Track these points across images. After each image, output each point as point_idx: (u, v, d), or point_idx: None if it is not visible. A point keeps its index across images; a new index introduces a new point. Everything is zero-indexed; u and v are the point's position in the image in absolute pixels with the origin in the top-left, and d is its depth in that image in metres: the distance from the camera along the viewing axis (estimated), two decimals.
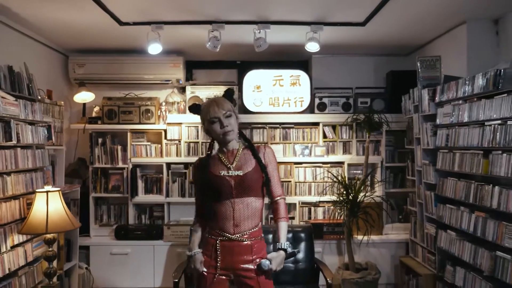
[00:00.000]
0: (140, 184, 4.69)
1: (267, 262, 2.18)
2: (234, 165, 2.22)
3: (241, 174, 2.20)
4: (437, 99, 3.66)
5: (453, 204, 3.39)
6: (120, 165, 4.63)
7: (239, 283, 2.22)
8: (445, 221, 3.48)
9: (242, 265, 2.19)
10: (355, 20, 3.76)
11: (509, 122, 2.70)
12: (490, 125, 2.89)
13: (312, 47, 3.91)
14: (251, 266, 2.19)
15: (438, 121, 3.63)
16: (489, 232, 2.88)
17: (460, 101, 3.29)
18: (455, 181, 3.35)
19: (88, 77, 4.71)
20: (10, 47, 3.66)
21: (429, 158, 3.82)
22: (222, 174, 2.20)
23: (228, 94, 2.31)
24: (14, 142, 3.02)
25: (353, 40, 4.37)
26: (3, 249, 2.97)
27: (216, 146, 2.36)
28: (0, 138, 2.92)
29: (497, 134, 2.80)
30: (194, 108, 2.32)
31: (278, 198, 2.30)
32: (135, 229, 4.50)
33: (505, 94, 2.74)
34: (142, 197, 4.68)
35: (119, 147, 4.64)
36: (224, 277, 2.21)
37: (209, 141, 2.39)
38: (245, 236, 2.20)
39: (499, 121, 2.80)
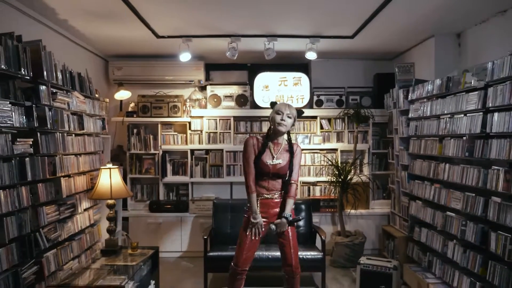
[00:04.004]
0: (169, 167, 5.65)
1: (273, 226, 3.19)
2: (276, 157, 3.20)
3: (280, 163, 3.18)
4: (409, 97, 4.60)
5: (420, 180, 4.34)
6: (152, 151, 5.59)
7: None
8: (415, 194, 4.44)
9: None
10: (345, 34, 4.70)
11: (455, 116, 3.64)
12: (443, 118, 3.84)
13: (311, 56, 4.85)
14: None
15: (410, 115, 4.58)
16: (442, 198, 3.84)
17: (425, 100, 4.24)
18: (421, 161, 4.31)
19: (125, 78, 5.66)
20: (69, 55, 4.57)
21: (404, 145, 4.78)
22: (268, 163, 3.17)
23: (299, 113, 3.27)
24: (85, 131, 3.99)
25: (344, 49, 5.31)
26: (78, 211, 3.96)
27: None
28: (76, 128, 3.89)
29: (447, 124, 3.75)
30: (272, 103, 3.27)
31: (293, 182, 3.28)
32: (166, 204, 5.47)
33: (452, 95, 3.69)
34: (170, 178, 5.65)
35: (151, 136, 5.60)
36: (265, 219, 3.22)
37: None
38: (276, 196, 3.22)
39: (449, 115, 3.75)
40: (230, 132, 5.61)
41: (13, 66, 2.86)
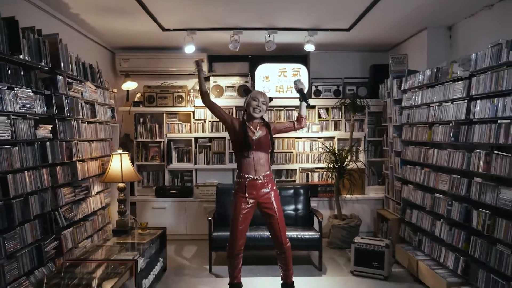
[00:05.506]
0: (174, 155, 5.92)
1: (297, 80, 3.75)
2: (255, 132, 3.49)
3: (260, 134, 3.48)
4: (402, 87, 4.85)
5: (412, 165, 4.61)
6: (158, 139, 5.86)
7: (261, 207, 3.49)
8: (407, 178, 4.71)
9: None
10: (342, 27, 4.94)
11: (443, 104, 3.90)
12: (432, 106, 4.11)
13: (309, 48, 5.10)
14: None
15: (403, 104, 4.83)
16: (431, 181, 4.11)
17: (416, 89, 4.50)
18: (413, 148, 4.58)
19: (131, 69, 5.91)
20: (79, 47, 4.77)
21: (397, 132, 5.04)
22: (250, 137, 3.45)
23: (270, 99, 3.64)
24: (97, 119, 4.26)
25: (341, 41, 5.55)
26: (92, 193, 4.24)
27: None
28: (89, 116, 4.15)
29: (436, 112, 4.01)
30: (247, 90, 3.59)
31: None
32: (171, 189, 5.75)
33: (441, 85, 3.95)
34: (175, 165, 5.92)
35: (157, 125, 5.86)
36: (252, 200, 3.49)
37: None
38: (261, 177, 3.48)
39: (437, 103, 4.01)
40: None
41: (35, 57, 3.11)
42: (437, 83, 4.05)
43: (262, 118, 3.61)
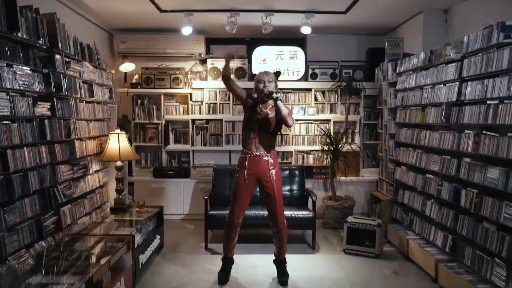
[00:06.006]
0: (171, 136, 5.99)
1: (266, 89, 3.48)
2: (266, 111, 3.53)
3: (269, 114, 3.51)
4: (397, 70, 4.90)
5: (405, 147, 4.69)
6: (155, 121, 5.92)
7: (261, 185, 3.60)
8: (400, 160, 4.79)
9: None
10: (338, 10, 4.96)
11: (436, 86, 3.96)
12: (426, 89, 4.16)
13: (306, 30, 5.13)
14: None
15: (397, 87, 4.89)
16: (423, 162, 4.20)
17: (411, 72, 4.55)
18: (406, 130, 4.65)
19: (129, 51, 5.93)
20: (76, 28, 4.78)
21: (392, 115, 5.11)
22: (258, 117, 3.51)
23: (277, 74, 3.65)
24: (95, 98, 4.31)
25: (338, 24, 5.57)
26: (90, 172, 4.32)
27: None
28: (87, 95, 4.21)
29: (429, 94, 4.07)
30: (241, 71, 3.59)
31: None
32: (169, 170, 5.84)
33: (434, 67, 4.00)
34: (172, 146, 6.00)
35: (154, 107, 5.92)
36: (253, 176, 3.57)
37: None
38: (264, 154, 3.55)
39: (430, 86, 4.07)
40: (229, 103, 5.93)
41: (33, 36, 3.16)
42: (431, 66, 4.10)
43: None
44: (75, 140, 3.91)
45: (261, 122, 3.52)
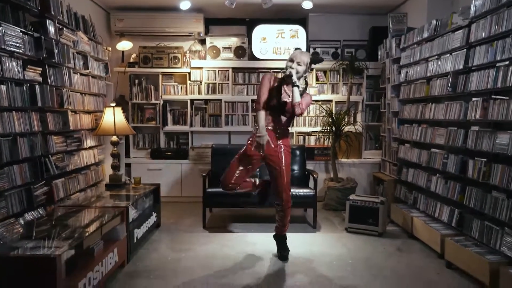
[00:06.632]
0: (169, 117, 5.86)
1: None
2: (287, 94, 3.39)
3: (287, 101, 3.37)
4: (401, 45, 4.76)
5: (409, 123, 4.56)
6: (153, 101, 5.79)
7: (267, 160, 3.46)
8: (404, 137, 4.66)
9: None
10: None
11: (442, 57, 3.83)
12: (431, 60, 4.03)
13: (307, 5, 5.00)
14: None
15: (401, 63, 4.75)
16: (428, 137, 4.06)
17: (415, 45, 4.41)
18: (410, 106, 4.51)
19: (126, 29, 5.79)
20: (72, 3, 4.72)
21: (395, 92, 4.97)
22: (283, 100, 3.37)
23: (314, 59, 3.46)
24: (90, 70, 4.18)
25: (340, 1, 5.40)
26: (84, 146, 4.19)
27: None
28: (81, 67, 4.08)
29: (434, 66, 3.93)
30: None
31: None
32: (166, 151, 5.71)
33: (440, 37, 3.86)
34: (171, 127, 5.87)
35: (152, 87, 5.79)
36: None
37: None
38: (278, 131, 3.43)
39: (436, 57, 3.93)
40: (228, 83, 5.80)
41: None
42: (436, 36, 3.96)
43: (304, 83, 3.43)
44: (69, 111, 3.79)
45: (282, 106, 3.38)
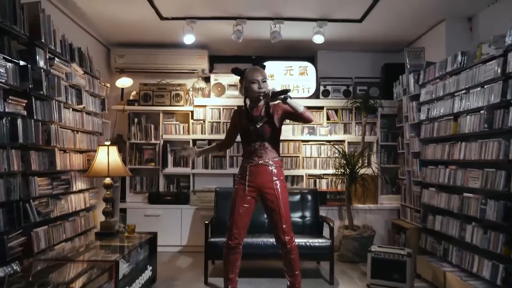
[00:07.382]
0: (170, 158, 5.45)
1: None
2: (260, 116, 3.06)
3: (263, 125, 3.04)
4: (420, 81, 4.44)
5: (433, 165, 4.13)
6: (153, 141, 5.41)
7: (263, 197, 3.05)
8: (427, 181, 4.22)
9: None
10: (353, 17, 4.57)
11: (471, 91, 3.47)
12: (458, 95, 3.67)
13: (318, 39, 4.72)
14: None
15: (421, 99, 4.40)
16: (458, 179, 3.62)
17: (437, 80, 4.08)
18: (434, 145, 4.11)
19: (127, 66, 5.53)
20: (71, 36, 4.46)
21: (415, 132, 4.59)
22: (250, 129, 3.05)
23: (263, 66, 3.14)
24: (84, 106, 3.82)
25: (352, 36, 5.15)
26: (73, 189, 3.75)
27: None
28: (74, 102, 3.72)
29: (463, 101, 3.57)
30: (237, 70, 3.10)
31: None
32: (166, 195, 5.26)
33: (468, 69, 3.52)
34: (171, 169, 5.44)
35: (152, 126, 5.43)
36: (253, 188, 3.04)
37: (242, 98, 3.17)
38: (270, 163, 3.05)
39: (463, 91, 3.57)
40: None
41: (8, 19, 2.71)
42: (463, 69, 3.62)
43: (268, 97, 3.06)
44: (56, 150, 3.38)
45: (260, 130, 3.05)
